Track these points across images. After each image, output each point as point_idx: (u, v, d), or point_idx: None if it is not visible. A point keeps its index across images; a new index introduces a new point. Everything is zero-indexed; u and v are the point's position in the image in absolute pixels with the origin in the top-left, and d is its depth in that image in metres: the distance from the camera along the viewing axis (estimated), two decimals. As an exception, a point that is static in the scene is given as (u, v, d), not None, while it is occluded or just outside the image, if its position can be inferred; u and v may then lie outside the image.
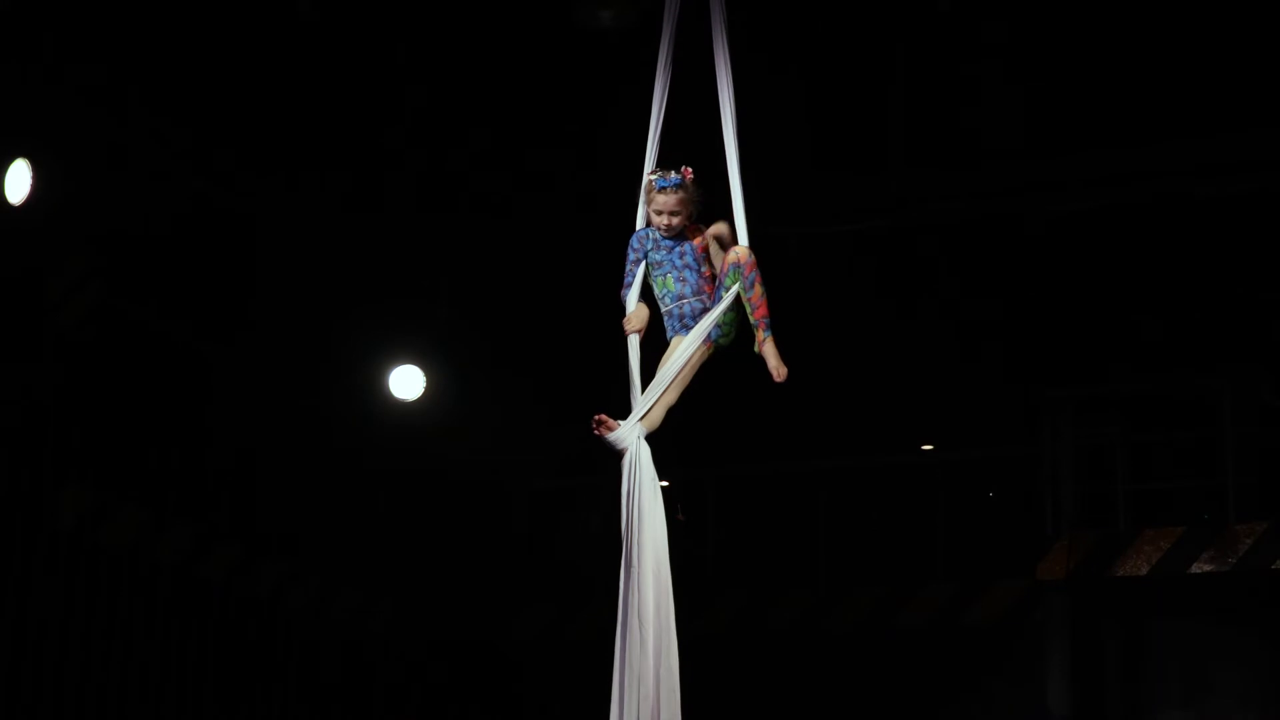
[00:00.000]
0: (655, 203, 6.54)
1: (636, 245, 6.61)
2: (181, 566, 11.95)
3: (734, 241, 6.51)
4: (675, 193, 6.50)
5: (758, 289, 6.48)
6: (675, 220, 6.53)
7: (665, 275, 6.59)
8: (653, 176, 6.54)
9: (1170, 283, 12.39)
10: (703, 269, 6.55)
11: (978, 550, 12.74)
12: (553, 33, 11.61)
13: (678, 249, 6.55)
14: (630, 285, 6.57)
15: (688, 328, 6.55)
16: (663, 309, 6.63)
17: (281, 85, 11.60)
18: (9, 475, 10.74)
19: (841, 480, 13.19)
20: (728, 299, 6.51)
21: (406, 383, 12.55)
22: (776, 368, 6.48)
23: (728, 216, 6.51)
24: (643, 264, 6.58)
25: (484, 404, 13.14)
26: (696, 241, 6.56)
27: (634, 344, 6.54)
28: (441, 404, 12.63)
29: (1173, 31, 11.67)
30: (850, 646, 12.86)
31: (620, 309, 6.62)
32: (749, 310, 6.52)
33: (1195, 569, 11.80)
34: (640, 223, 6.64)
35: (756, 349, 6.53)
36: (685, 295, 6.56)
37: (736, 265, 6.48)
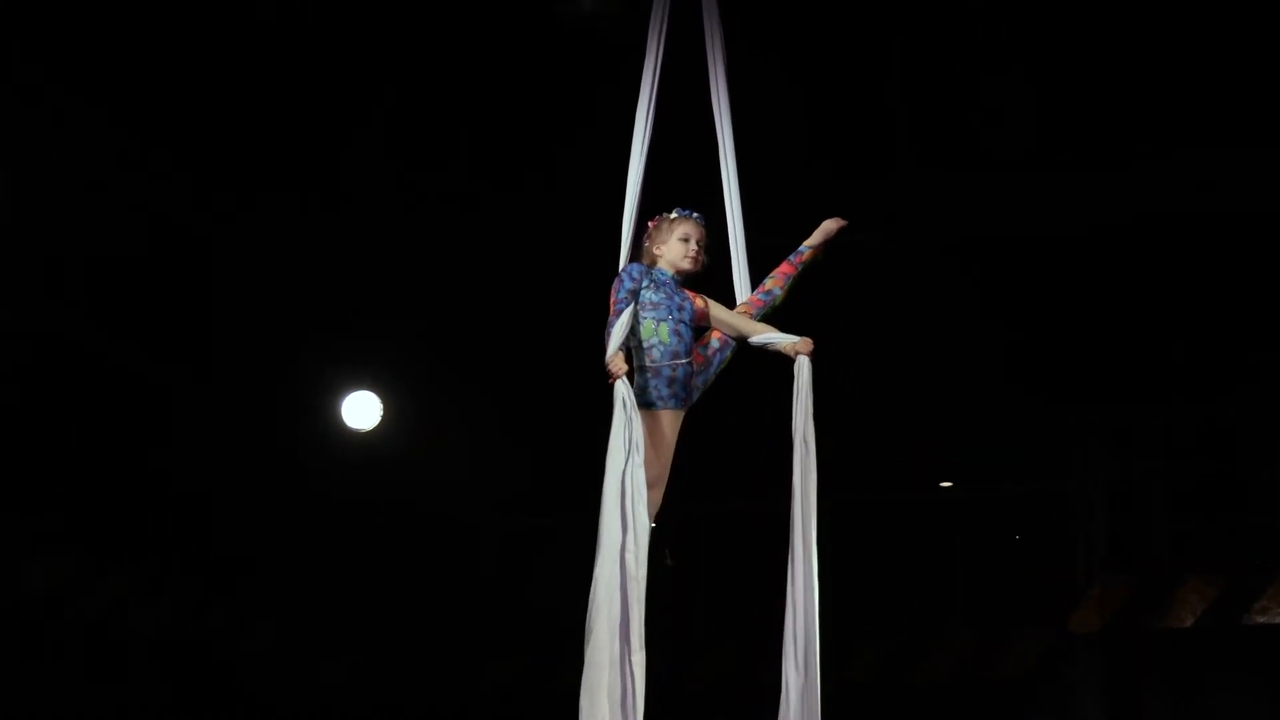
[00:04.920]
0: (680, 231, 6.39)
1: (636, 275, 6.29)
2: (118, 612, 12.14)
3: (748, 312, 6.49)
4: (700, 226, 6.40)
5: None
6: (701, 254, 6.38)
7: (660, 321, 6.27)
8: (675, 211, 6.43)
9: (1214, 300, 11.97)
10: (691, 332, 6.35)
11: (1001, 598, 12.49)
12: (519, 52, 11.35)
13: (677, 297, 6.32)
14: (621, 313, 6.17)
15: (676, 396, 6.28)
16: (647, 360, 6.27)
17: (238, 104, 11.41)
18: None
19: (848, 518, 12.49)
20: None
21: (361, 410, 12.26)
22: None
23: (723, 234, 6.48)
24: (634, 300, 6.27)
25: (448, 434, 12.81)
26: (697, 302, 6.37)
27: (622, 391, 6.11)
28: (400, 434, 12.36)
29: (1207, 36, 11.21)
30: (860, 704, 12.08)
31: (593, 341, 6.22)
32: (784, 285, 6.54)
33: (1246, 620, 11.50)
34: (624, 260, 6.40)
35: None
36: (680, 355, 6.28)
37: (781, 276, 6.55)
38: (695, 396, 6.33)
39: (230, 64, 11.14)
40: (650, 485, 6.13)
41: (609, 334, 6.12)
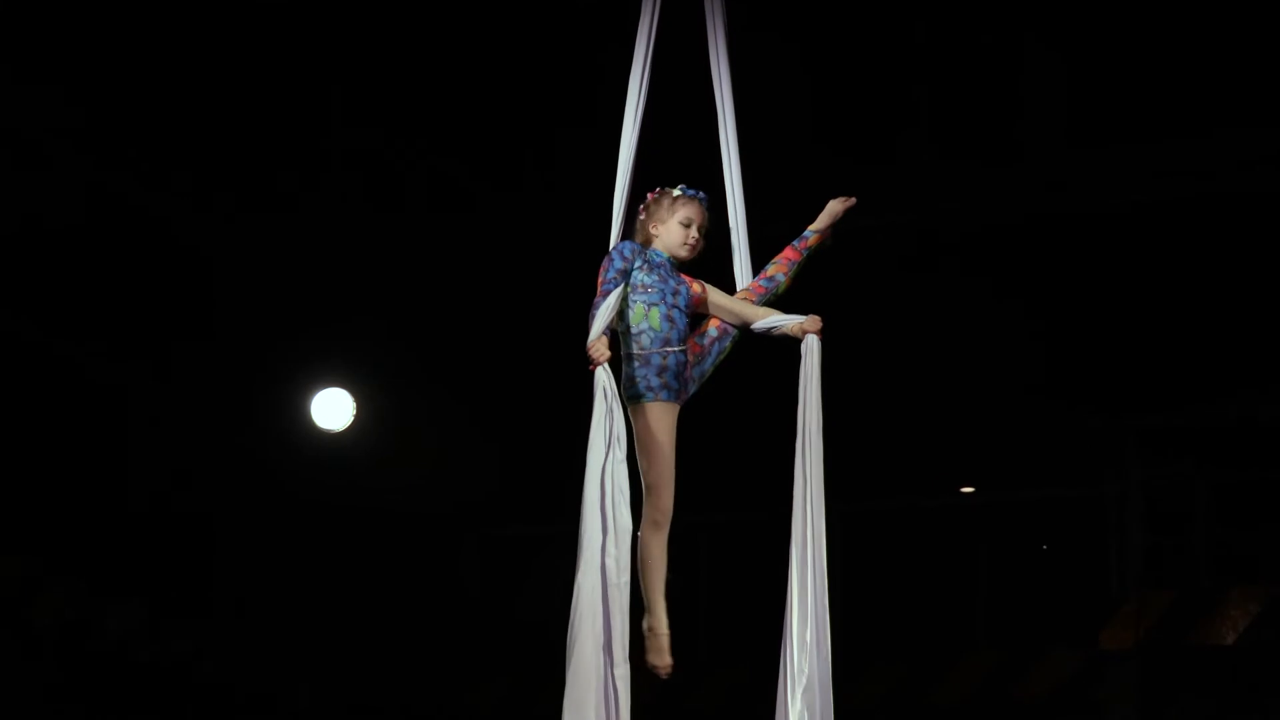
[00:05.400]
0: (682, 214, 6.15)
1: (628, 254, 6.05)
2: (74, 626, 12.24)
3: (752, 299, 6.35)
4: (704, 209, 6.20)
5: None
6: (700, 242, 6.19)
7: (652, 306, 6.02)
8: (678, 189, 6.24)
9: (1255, 292, 11.51)
10: (686, 319, 6.15)
11: (1028, 613, 12.36)
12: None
13: (673, 281, 6.09)
14: (609, 294, 5.95)
15: (669, 387, 6.01)
16: (635, 348, 6.02)
17: (213, 98, 11.38)
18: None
19: (862, 528, 12.27)
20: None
21: (332, 409, 12.11)
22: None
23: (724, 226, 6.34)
24: (625, 281, 6.06)
25: (427, 438, 12.68)
26: (694, 287, 6.15)
27: (603, 379, 5.88)
28: (375, 435, 12.24)
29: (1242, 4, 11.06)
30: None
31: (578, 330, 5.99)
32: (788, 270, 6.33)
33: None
34: (615, 237, 6.21)
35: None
36: (672, 342, 6.04)
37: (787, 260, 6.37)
38: (691, 389, 6.12)
39: (207, 54, 11.09)
40: (655, 490, 5.94)
41: (593, 316, 5.90)
